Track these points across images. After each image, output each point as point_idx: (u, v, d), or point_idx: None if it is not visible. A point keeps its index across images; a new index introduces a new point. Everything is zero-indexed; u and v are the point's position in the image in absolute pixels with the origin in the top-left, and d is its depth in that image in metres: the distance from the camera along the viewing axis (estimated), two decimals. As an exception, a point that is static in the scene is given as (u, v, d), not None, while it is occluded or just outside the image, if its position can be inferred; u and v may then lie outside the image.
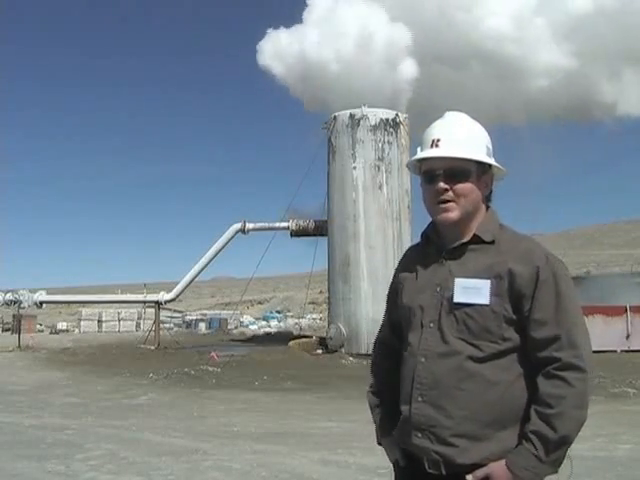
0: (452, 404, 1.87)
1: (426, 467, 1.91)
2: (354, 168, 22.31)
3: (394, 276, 2.20)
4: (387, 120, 22.62)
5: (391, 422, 2.07)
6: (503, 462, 1.81)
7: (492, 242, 1.96)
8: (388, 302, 2.21)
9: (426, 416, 1.91)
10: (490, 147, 2.04)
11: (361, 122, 22.48)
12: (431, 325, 1.96)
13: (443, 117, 2.08)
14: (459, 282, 1.92)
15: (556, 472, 1.83)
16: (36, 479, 6.14)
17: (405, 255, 2.21)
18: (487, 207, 2.05)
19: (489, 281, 1.88)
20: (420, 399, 1.93)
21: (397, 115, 22.93)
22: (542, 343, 1.85)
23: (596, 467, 5.98)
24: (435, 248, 2.05)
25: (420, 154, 2.03)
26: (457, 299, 1.91)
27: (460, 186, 1.95)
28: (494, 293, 1.88)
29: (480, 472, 1.83)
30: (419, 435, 1.92)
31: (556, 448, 1.78)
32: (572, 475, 1.98)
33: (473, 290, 1.90)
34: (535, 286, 1.86)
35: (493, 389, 1.86)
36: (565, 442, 1.79)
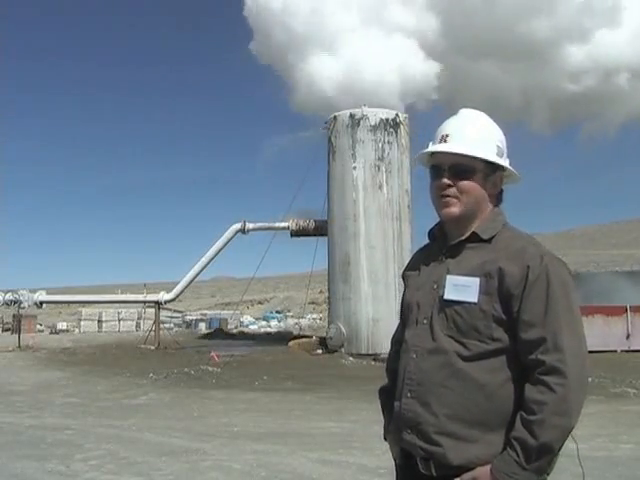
0: (437, 401, 1.86)
1: (419, 467, 1.90)
2: (354, 168, 22.31)
3: (402, 275, 2.21)
4: (387, 120, 22.61)
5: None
6: (489, 467, 1.78)
7: (490, 240, 1.94)
8: (401, 301, 2.22)
9: (413, 412, 1.91)
10: (502, 147, 2.01)
11: (361, 122, 22.48)
12: (424, 322, 1.96)
13: (457, 114, 2.07)
14: (450, 279, 1.92)
15: (543, 479, 1.78)
16: (36, 479, 6.14)
17: (414, 255, 2.22)
18: (495, 207, 2.03)
19: (478, 279, 1.86)
20: (409, 395, 1.93)
21: (397, 115, 22.93)
22: (529, 345, 1.81)
23: (596, 467, 5.99)
24: (438, 246, 2.05)
25: (428, 148, 2.04)
26: (447, 296, 1.91)
27: (464, 183, 1.94)
28: (483, 292, 1.85)
29: (467, 476, 1.81)
30: (408, 432, 1.92)
31: (538, 456, 1.73)
32: (584, 477, 1.97)
33: (462, 288, 1.88)
34: (524, 286, 1.82)
35: (479, 390, 1.83)
36: (548, 450, 1.73)
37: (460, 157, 1.94)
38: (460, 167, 1.95)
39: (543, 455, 1.74)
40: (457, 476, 1.82)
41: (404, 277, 2.18)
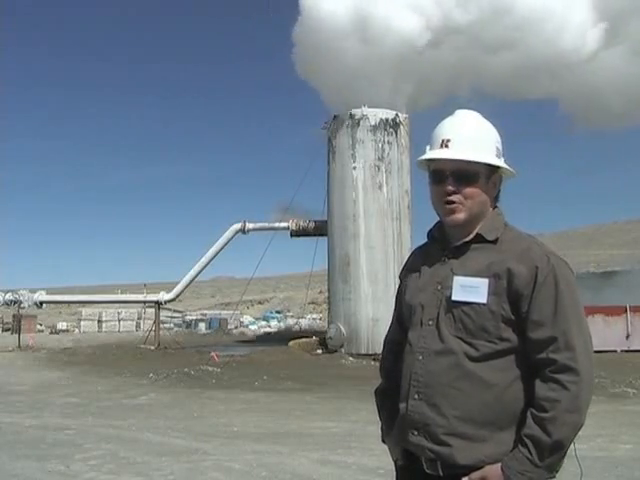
0: (446, 403, 1.86)
1: (424, 467, 1.90)
2: (354, 168, 22.31)
3: (400, 275, 2.20)
4: (387, 120, 22.61)
5: (395, 420, 2.06)
6: (499, 465, 1.79)
7: (494, 241, 1.95)
8: (396, 301, 2.21)
9: (421, 414, 1.90)
10: (500, 147, 2.02)
11: (361, 122, 22.48)
12: (430, 323, 1.95)
13: (453, 115, 2.06)
14: (458, 280, 1.91)
15: (553, 477, 1.80)
16: (36, 479, 6.14)
17: (411, 255, 2.21)
18: (494, 206, 2.03)
19: (487, 280, 1.87)
20: (416, 397, 1.92)
21: (397, 115, 22.93)
22: (539, 344, 1.82)
23: (596, 467, 5.99)
24: (439, 247, 2.04)
25: (429, 154, 2.01)
26: (455, 297, 1.90)
27: (468, 189, 1.94)
28: (492, 292, 1.86)
29: (475, 475, 1.81)
30: (415, 433, 1.92)
31: (551, 453, 1.75)
32: (582, 476, 1.97)
33: (471, 289, 1.88)
34: (533, 286, 1.83)
35: (489, 390, 1.84)
36: (560, 447, 1.76)
37: (463, 163, 1.93)
38: (464, 173, 1.94)
39: (555, 452, 1.76)
40: (465, 475, 1.82)
41: (402, 277, 2.17)
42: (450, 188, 1.94)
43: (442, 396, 1.87)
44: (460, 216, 1.95)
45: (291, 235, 26.18)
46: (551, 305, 1.83)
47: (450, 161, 1.95)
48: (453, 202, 1.94)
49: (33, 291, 29.37)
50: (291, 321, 47.02)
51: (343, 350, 20.92)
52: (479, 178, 1.95)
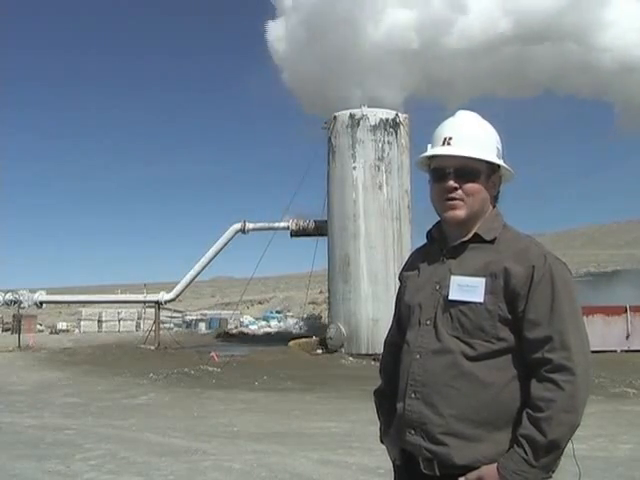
0: (443, 402, 1.86)
1: (421, 467, 1.90)
2: (354, 168, 22.33)
3: (399, 277, 2.20)
4: (387, 120, 22.63)
5: (393, 420, 2.06)
6: (495, 465, 1.78)
7: (492, 241, 1.95)
8: (396, 303, 2.21)
9: (418, 413, 1.90)
10: (500, 148, 2.03)
11: (361, 122, 22.50)
12: (427, 323, 1.96)
13: (455, 116, 2.08)
14: (455, 280, 1.92)
15: (549, 477, 1.80)
16: (36, 479, 6.14)
17: (410, 256, 2.21)
18: (493, 207, 2.04)
19: (484, 279, 1.87)
20: (413, 396, 1.93)
21: (397, 115, 22.95)
22: (535, 344, 1.82)
23: (596, 467, 5.99)
24: (438, 247, 2.05)
25: (431, 151, 2.02)
26: (452, 296, 1.91)
27: (469, 185, 1.95)
28: (489, 292, 1.86)
29: (472, 475, 1.81)
30: (412, 432, 1.92)
31: (546, 453, 1.75)
32: (581, 475, 1.97)
33: (468, 288, 1.89)
34: (530, 285, 1.84)
35: (486, 389, 1.84)
36: (555, 447, 1.75)
37: (465, 159, 1.95)
38: (466, 169, 1.95)
39: (551, 452, 1.75)
40: (461, 475, 1.82)
41: (401, 278, 2.18)
42: (452, 184, 1.95)
43: (439, 395, 1.87)
44: (460, 213, 1.96)
45: (291, 235, 26.20)
46: (547, 304, 1.83)
47: (452, 158, 1.96)
48: (454, 199, 1.95)
49: (33, 291, 29.36)
50: (291, 321, 47.01)
51: (343, 350, 20.94)
52: (480, 175, 1.96)
